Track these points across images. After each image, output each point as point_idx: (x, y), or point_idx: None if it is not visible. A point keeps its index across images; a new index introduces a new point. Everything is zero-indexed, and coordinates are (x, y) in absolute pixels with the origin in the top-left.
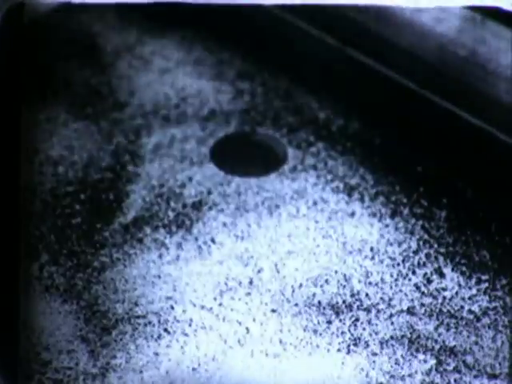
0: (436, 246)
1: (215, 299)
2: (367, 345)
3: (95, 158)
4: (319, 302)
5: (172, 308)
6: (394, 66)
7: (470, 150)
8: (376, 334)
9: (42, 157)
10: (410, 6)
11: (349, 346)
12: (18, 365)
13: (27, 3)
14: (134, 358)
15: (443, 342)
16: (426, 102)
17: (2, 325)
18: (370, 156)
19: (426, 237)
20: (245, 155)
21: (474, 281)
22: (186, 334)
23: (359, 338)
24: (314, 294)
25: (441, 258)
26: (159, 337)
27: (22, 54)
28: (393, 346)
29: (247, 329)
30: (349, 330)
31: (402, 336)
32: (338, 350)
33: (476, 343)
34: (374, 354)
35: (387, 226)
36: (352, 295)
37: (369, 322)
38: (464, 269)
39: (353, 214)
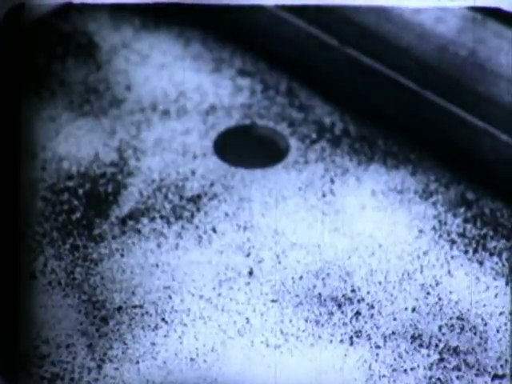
0: (447, 248)
1: (214, 289)
2: (370, 337)
3: (99, 155)
4: (320, 294)
5: (170, 298)
6: (394, 66)
7: (470, 151)
8: (378, 328)
9: (49, 154)
10: (410, 6)
11: (351, 337)
12: (17, 358)
13: (27, 3)
14: (130, 348)
15: (447, 341)
16: (426, 102)
17: (3, 319)
18: (377, 154)
19: (436, 238)
20: (248, 148)
21: (483, 286)
22: (185, 324)
23: (361, 331)
24: (314, 286)
25: (451, 261)
26: (156, 327)
27: (22, 54)
28: (396, 340)
29: (247, 319)
30: (350, 322)
31: (405, 332)
32: (341, 342)
33: (479, 345)
34: (378, 347)
35: (398, 222)
36: (353, 291)
37: (371, 316)
38: (474, 273)
39: (363, 209)
